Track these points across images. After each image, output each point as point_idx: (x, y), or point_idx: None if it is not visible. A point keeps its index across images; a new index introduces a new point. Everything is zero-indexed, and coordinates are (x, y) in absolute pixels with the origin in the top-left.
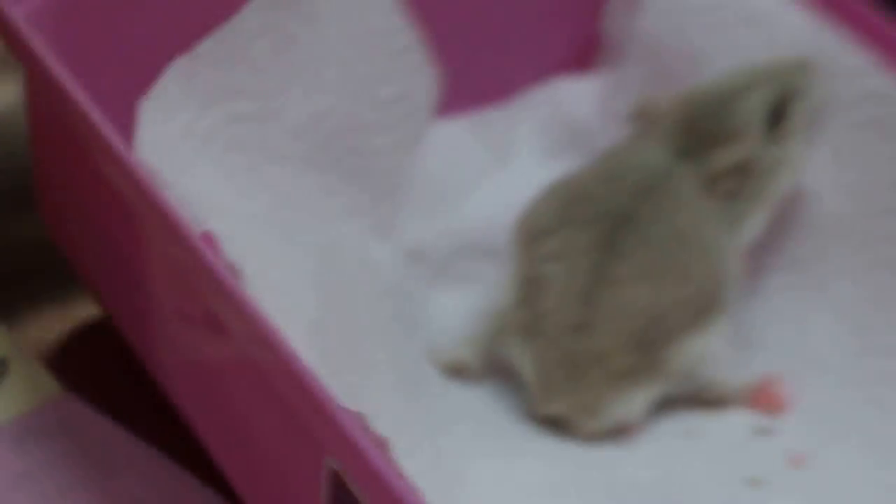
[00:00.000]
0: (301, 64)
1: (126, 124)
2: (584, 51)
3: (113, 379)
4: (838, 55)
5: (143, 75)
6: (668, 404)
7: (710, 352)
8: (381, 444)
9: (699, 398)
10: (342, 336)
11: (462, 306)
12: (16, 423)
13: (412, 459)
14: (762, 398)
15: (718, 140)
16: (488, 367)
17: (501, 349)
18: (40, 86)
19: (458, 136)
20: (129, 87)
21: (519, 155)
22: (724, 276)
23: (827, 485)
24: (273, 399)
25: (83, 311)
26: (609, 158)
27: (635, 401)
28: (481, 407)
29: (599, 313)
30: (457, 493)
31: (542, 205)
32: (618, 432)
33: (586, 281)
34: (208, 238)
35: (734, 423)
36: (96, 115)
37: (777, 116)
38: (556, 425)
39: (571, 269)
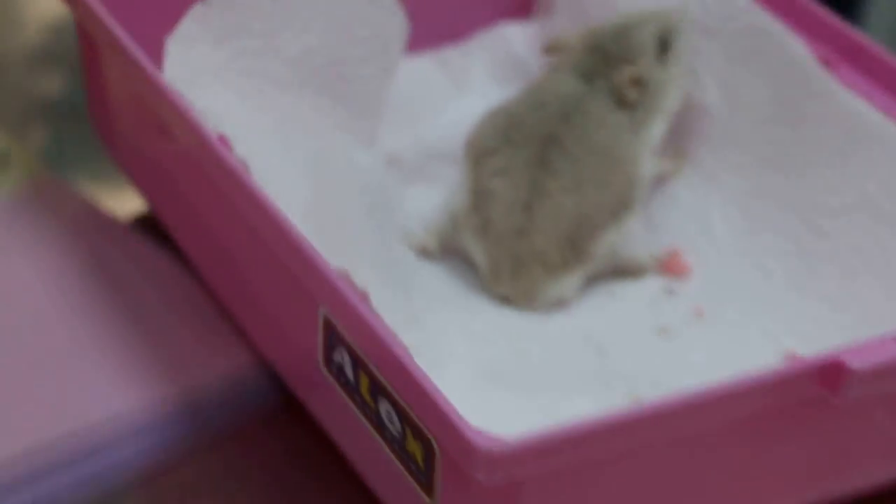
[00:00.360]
0: (293, 10)
1: (158, 58)
2: (525, 2)
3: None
4: (738, 8)
5: (170, 20)
6: (594, 276)
7: (627, 237)
8: (363, 295)
9: (619, 271)
10: (332, 217)
11: (429, 200)
12: (14, 198)
13: (388, 311)
14: (670, 266)
15: (619, 62)
16: (448, 250)
17: (458, 240)
18: (87, 28)
19: (426, 68)
20: (158, 29)
21: (474, 83)
22: (635, 179)
23: (722, 332)
24: (278, 265)
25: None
26: (534, 90)
27: (567, 285)
28: (443, 277)
29: (536, 220)
30: (424, 338)
31: (485, 128)
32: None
33: (524, 193)
34: (223, 139)
35: (648, 286)
36: (133, 48)
37: (663, 46)
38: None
39: (512, 183)
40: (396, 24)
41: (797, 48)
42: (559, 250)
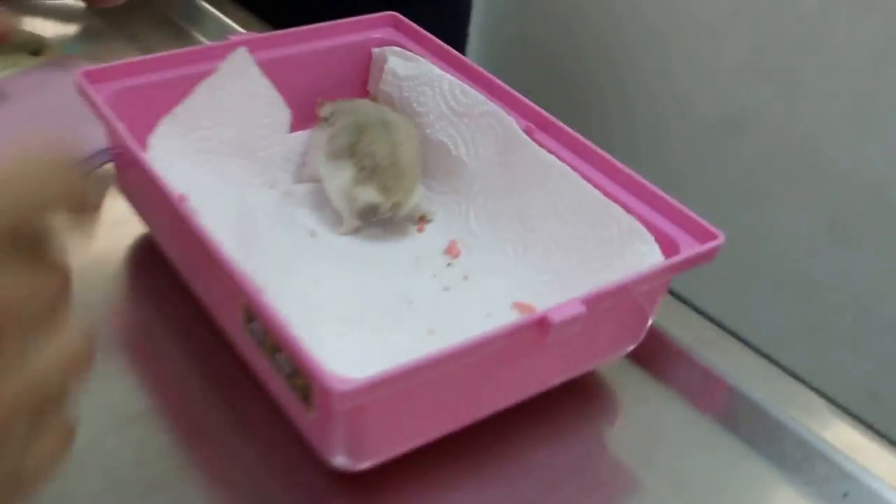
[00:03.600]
0: (223, 113)
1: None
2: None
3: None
4: (476, 101)
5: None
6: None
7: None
8: (261, 292)
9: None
10: (249, 233)
11: (313, 214)
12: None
13: (285, 286)
14: (450, 250)
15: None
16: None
17: (358, 202)
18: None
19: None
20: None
21: None
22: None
23: (479, 289)
24: (219, 276)
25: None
26: (347, 112)
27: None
28: (322, 263)
29: (399, 154)
30: (310, 301)
31: (339, 138)
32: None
33: (389, 146)
34: (182, 197)
35: (438, 262)
36: (133, 146)
37: None
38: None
39: (381, 144)
40: (283, 114)
41: (509, 120)
42: (408, 167)
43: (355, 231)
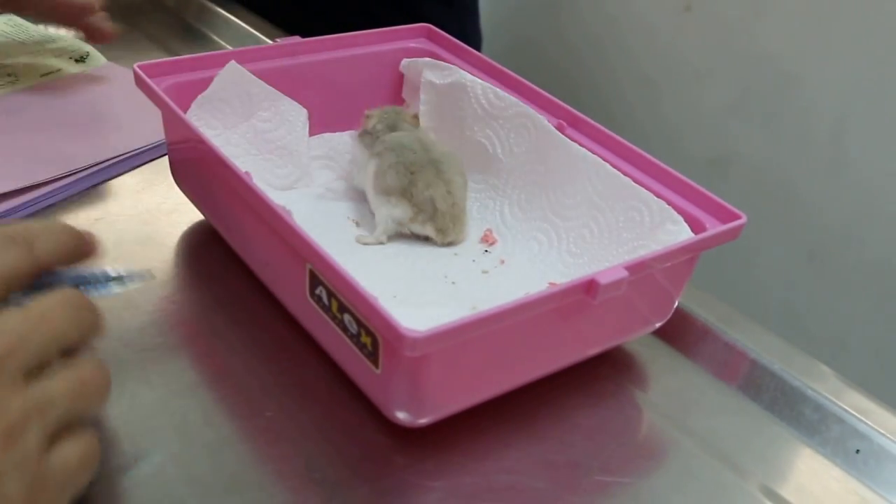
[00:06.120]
0: (251, 106)
1: None
2: (397, 96)
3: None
4: (509, 103)
5: None
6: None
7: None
8: (329, 257)
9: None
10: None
11: (350, 208)
12: None
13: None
14: (486, 238)
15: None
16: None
17: (403, 230)
18: (169, 118)
19: (346, 139)
20: None
21: None
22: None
23: (515, 272)
24: (283, 244)
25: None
26: (391, 144)
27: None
28: (368, 253)
29: (454, 197)
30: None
31: (388, 178)
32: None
33: (445, 189)
34: (247, 173)
35: (475, 249)
36: (196, 128)
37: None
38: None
39: (438, 187)
40: (302, 116)
41: (541, 119)
42: (463, 206)
43: (380, 244)
